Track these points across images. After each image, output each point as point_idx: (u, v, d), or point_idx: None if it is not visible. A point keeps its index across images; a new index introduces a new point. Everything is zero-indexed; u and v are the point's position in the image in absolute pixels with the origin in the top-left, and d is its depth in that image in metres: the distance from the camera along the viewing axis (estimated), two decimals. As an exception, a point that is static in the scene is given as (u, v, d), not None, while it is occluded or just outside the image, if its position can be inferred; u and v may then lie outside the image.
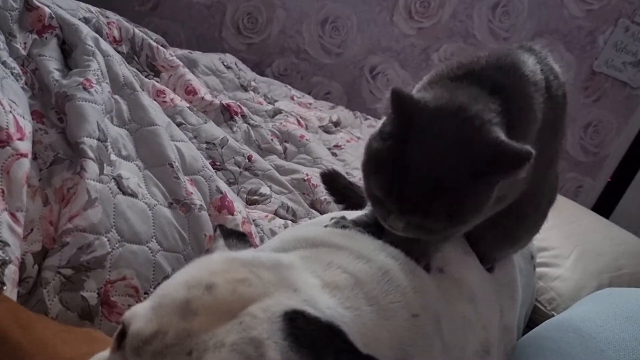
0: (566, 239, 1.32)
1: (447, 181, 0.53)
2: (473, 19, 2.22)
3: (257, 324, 0.42)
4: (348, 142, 1.64)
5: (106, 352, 0.49)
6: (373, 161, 0.58)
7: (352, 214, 0.72)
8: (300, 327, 0.42)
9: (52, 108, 0.90)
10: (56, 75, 0.94)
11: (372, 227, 0.66)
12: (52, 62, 0.97)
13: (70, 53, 1.04)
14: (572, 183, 2.46)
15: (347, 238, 0.64)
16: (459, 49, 2.26)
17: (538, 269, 1.18)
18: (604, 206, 2.37)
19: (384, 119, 0.61)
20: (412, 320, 0.56)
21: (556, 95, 0.67)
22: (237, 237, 0.60)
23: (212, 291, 0.44)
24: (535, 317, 1.14)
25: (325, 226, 0.69)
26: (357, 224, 0.68)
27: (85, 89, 0.92)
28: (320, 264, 0.56)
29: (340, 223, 0.68)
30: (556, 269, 1.24)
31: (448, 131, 0.54)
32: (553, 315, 1.11)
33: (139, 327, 0.43)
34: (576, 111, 2.36)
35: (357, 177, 1.41)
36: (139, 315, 0.44)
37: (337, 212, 0.93)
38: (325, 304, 0.47)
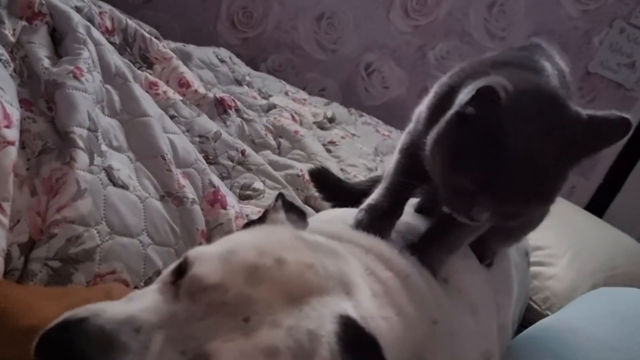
0: (561, 238, 1.31)
1: (549, 166, 0.53)
2: (469, 18, 2.22)
3: (316, 318, 0.42)
4: (343, 138, 1.62)
5: (153, 285, 0.47)
6: (461, 155, 0.55)
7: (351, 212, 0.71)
8: (349, 335, 0.42)
9: (41, 96, 0.88)
10: (46, 63, 0.92)
11: (387, 214, 0.66)
12: (41, 50, 0.95)
13: (60, 41, 1.01)
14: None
15: (369, 239, 0.63)
16: (454, 47, 2.25)
17: (533, 268, 1.17)
18: (597, 206, 2.37)
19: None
20: (432, 326, 0.57)
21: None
22: (298, 214, 0.60)
23: (281, 266, 0.44)
24: (529, 317, 1.14)
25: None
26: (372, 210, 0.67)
27: (75, 77, 0.90)
28: (360, 267, 0.55)
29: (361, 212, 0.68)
30: (551, 268, 1.24)
31: (539, 115, 0.53)
32: (547, 315, 1.11)
33: (202, 273, 0.42)
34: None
35: (351, 173, 1.40)
36: (205, 260, 0.43)
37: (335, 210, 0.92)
38: (368, 312, 0.48)
